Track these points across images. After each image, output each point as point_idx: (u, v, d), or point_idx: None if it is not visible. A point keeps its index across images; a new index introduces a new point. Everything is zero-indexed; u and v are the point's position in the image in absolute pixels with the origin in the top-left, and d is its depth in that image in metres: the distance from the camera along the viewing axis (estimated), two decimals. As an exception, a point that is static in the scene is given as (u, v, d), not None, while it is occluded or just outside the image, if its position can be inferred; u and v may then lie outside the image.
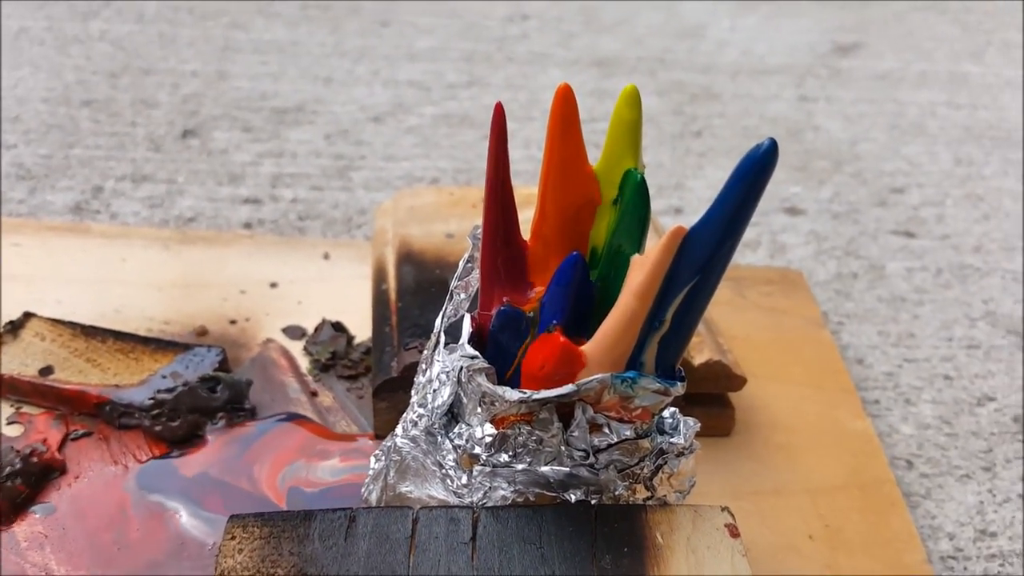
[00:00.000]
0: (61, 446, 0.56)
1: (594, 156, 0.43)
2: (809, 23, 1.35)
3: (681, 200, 0.92)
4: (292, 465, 0.56)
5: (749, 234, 0.87)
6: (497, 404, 0.43)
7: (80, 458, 0.56)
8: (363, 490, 0.49)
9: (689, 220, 0.86)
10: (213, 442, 0.57)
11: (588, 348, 0.42)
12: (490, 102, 1.07)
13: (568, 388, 0.41)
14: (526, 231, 0.45)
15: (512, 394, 0.42)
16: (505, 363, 0.44)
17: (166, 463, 0.56)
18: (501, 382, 0.44)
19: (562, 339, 0.41)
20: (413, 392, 0.47)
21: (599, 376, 0.41)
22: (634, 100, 0.42)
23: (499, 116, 0.42)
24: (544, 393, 0.42)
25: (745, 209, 0.39)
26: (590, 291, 0.43)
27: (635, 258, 0.41)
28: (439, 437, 0.45)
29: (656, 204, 0.90)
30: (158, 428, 0.56)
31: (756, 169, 0.38)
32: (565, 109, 0.42)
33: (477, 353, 0.43)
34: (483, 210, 0.44)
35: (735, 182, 0.38)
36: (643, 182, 0.43)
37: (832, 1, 1.44)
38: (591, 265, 0.44)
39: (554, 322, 0.42)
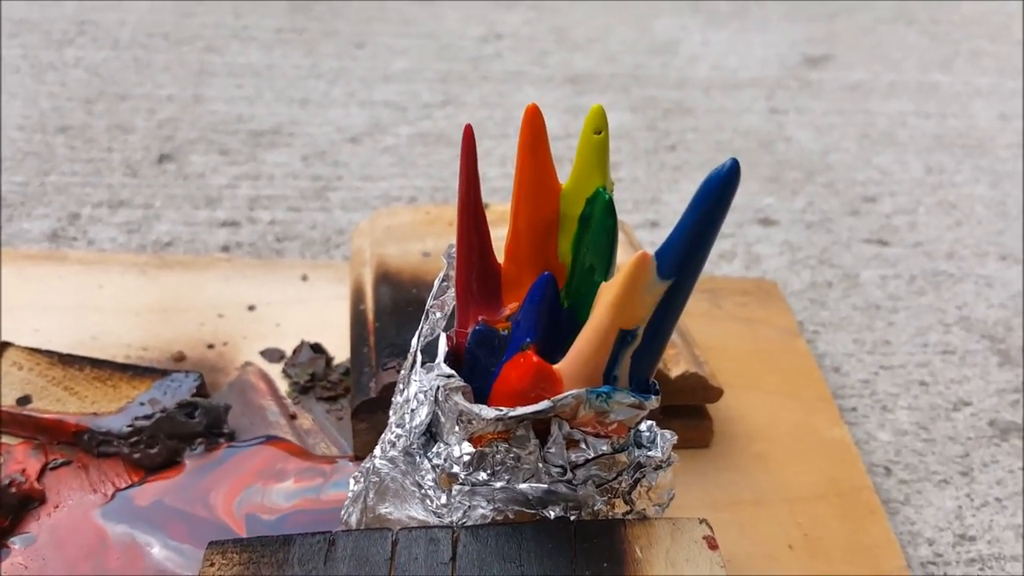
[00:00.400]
0: (40, 476, 0.56)
1: (569, 171, 0.44)
2: (778, 36, 1.36)
3: (656, 214, 0.92)
4: (248, 490, 0.56)
5: (724, 245, 0.88)
6: (474, 422, 0.43)
7: (60, 487, 0.56)
8: (343, 512, 0.49)
9: (665, 233, 0.87)
10: (177, 469, 0.57)
11: (562, 365, 0.42)
12: (466, 121, 1.07)
13: (544, 404, 0.42)
14: (503, 248, 0.45)
15: (488, 412, 0.42)
16: (482, 381, 0.44)
17: (127, 493, 0.55)
18: (478, 400, 0.44)
19: (535, 358, 0.42)
20: (391, 412, 0.48)
21: (574, 392, 0.41)
22: (601, 119, 0.42)
23: (469, 138, 0.42)
24: (520, 410, 0.42)
25: (709, 227, 0.39)
26: (560, 310, 0.44)
27: (603, 285, 0.42)
28: (417, 457, 0.45)
29: (632, 218, 0.90)
30: (137, 455, 0.56)
31: (719, 188, 0.38)
32: (533, 129, 0.43)
33: (453, 372, 0.44)
34: (456, 230, 0.44)
35: (698, 202, 0.38)
36: (610, 201, 0.43)
37: (801, 14, 1.45)
38: (563, 281, 0.45)
39: (527, 340, 0.43)
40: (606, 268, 0.44)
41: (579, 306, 0.44)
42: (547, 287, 0.43)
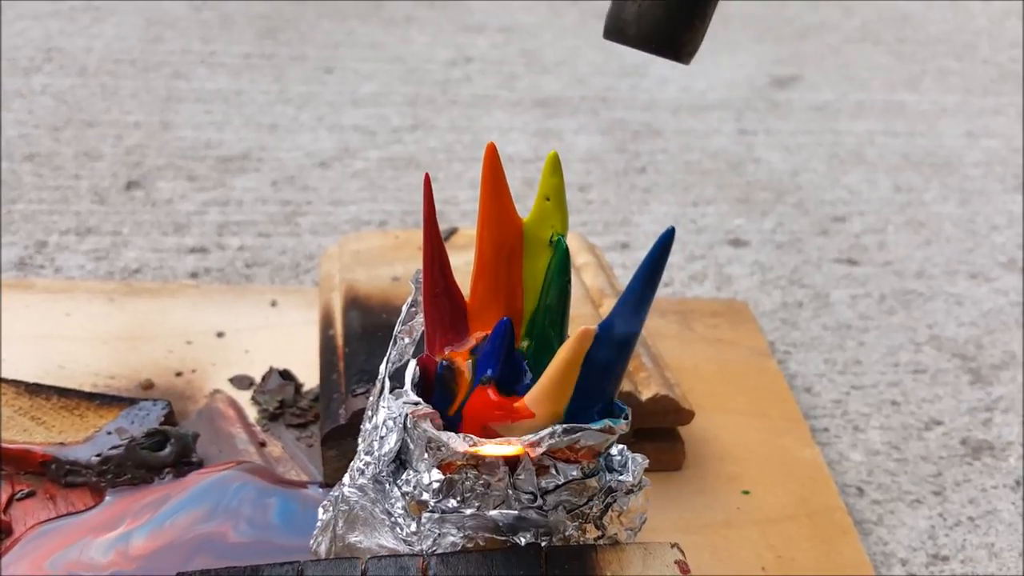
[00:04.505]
0: (7, 507, 0.55)
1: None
2: (746, 58, 1.37)
3: (627, 235, 0.92)
4: (70, 547, 0.53)
5: (695, 266, 0.88)
6: (443, 449, 0.43)
7: (26, 519, 0.55)
8: (312, 542, 0.49)
9: (636, 255, 0.87)
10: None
11: (529, 398, 0.43)
12: (435, 144, 1.07)
13: (514, 448, 0.42)
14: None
15: (457, 443, 0.42)
16: (450, 406, 0.45)
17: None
18: (447, 426, 0.44)
19: (496, 396, 0.43)
20: (360, 440, 0.47)
21: (547, 432, 0.42)
22: (556, 166, 0.45)
23: (428, 187, 0.44)
24: (488, 449, 0.42)
25: (651, 290, 0.42)
26: (518, 352, 0.46)
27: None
28: (387, 485, 0.45)
29: (602, 240, 0.90)
30: (103, 485, 0.56)
31: (661, 253, 0.41)
32: (493, 166, 0.44)
33: (420, 400, 0.44)
34: (422, 264, 0.45)
35: (644, 269, 0.41)
36: (567, 251, 0.45)
37: (768, 36, 1.46)
38: (531, 300, 0.46)
39: (488, 372, 0.44)
40: (562, 308, 0.46)
41: (544, 340, 0.46)
42: (506, 333, 0.44)
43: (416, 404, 0.43)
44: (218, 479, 0.57)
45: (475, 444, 0.42)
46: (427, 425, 0.43)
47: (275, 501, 0.56)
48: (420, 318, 0.47)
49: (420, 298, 0.47)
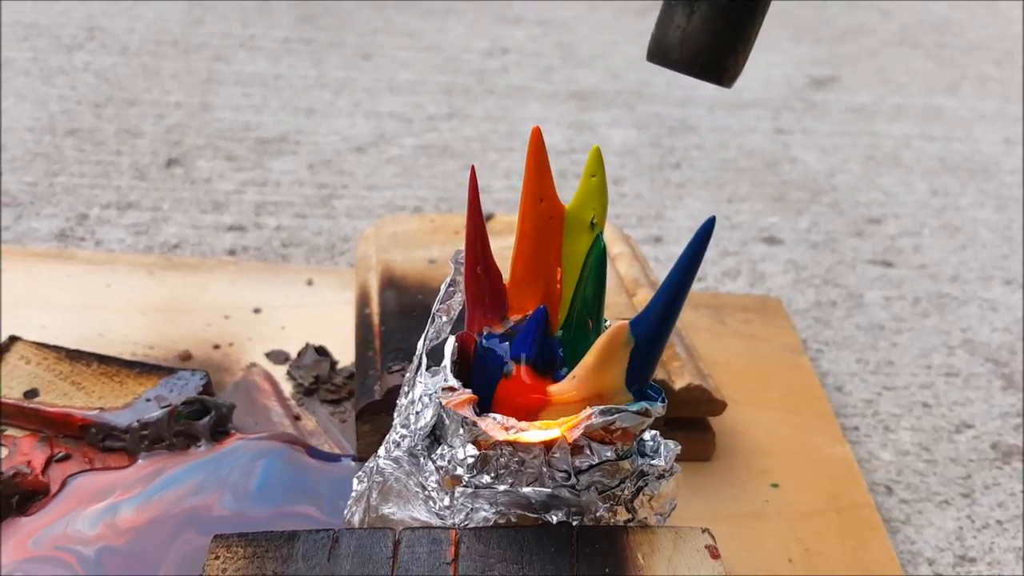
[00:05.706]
0: (45, 468, 0.56)
1: (573, 184, 0.47)
2: (784, 57, 1.37)
3: (660, 229, 0.92)
4: (57, 523, 0.53)
5: (728, 262, 0.88)
6: (479, 425, 0.43)
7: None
8: (346, 511, 0.49)
9: (669, 249, 0.87)
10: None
11: (564, 383, 0.44)
12: (470, 133, 1.08)
13: (552, 433, 0.42)
14: (510, 255, 0.47)
15: (496, 431, 0.43)
16: (489, 384, 0.45)
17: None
18: (483, 404, 0.45)
19: (529, 380, 0.44)
20: (396, 414, 0.48)
21: (584, 412, 0.42)
22: (598, 160, 0.46)
23: (473, 177, 0.45)
24: (528, 436, 0.43)
25: (686, 284, 0.43)
26: (554, 338, 0.46)
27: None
28: (422, 459, 0.45)
29: (636, 233, 0.91)
30: (141, 450, 0.57)
31: (702, 243, 0.41)
32: (537, 148, 0.45)
33: (458, 384, 0.44)
34: (464, 248, 0.46)
35: (683, 261, 0.42)
36: (604, 248, 0.46)
37: (807, 36, 1.46)
38: (570, 284, 0.47)
39: (523, 355, 0.44)
40: (598, 309, 0.47)
41: (578, 334, 0.47)
42: (542, 318, 0.45)
43: (453, 390, 0.44)
44: (230, 449, 0.58)
45: (512, 429, 0.43)
46: (467, 412, 0.44)
47: (260, 464, 0.57)
48: (459, 297, 0.48)
49: (459, 278, 0.47)
